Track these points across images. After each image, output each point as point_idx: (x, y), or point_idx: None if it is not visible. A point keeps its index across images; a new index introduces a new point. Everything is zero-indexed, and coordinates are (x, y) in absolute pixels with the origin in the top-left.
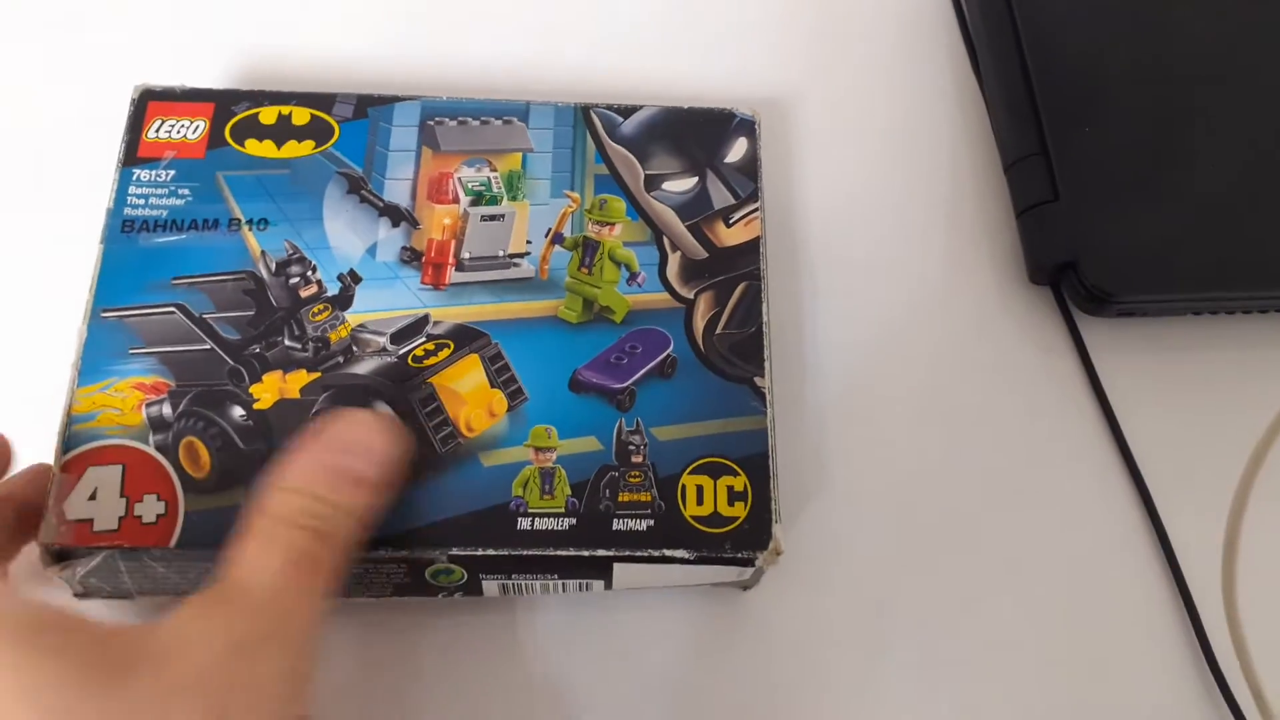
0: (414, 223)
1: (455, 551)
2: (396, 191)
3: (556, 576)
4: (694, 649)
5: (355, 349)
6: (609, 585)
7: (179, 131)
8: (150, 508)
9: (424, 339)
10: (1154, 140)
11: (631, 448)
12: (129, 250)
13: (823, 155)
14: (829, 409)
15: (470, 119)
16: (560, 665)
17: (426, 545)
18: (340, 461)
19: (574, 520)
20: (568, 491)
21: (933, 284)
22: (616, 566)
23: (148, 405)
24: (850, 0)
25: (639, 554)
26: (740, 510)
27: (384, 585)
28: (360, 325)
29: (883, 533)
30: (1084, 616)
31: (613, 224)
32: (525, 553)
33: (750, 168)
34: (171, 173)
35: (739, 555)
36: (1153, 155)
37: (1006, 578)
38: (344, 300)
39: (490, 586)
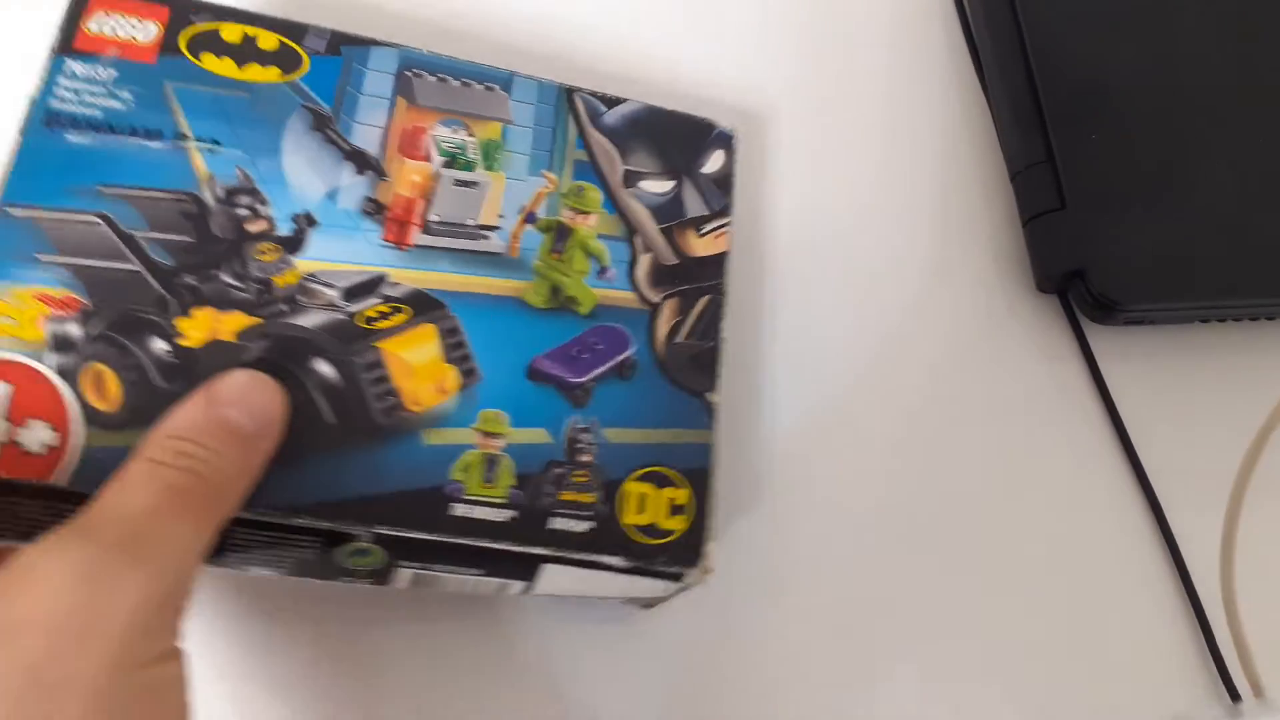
0: (381, 173)
1: (381, 530)
2: (365, 137)
3: (481, 572)
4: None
5: (302, 298)
6: (529, 588)
7: (126, 30)
8: (36, 435)
9: (379, 299)
10: (1160, 147)
11: (581, 446)
12: (51, 146)
13: (828, 160)
14: (823, 417)
15: (450, 78)
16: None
17: (350, 519)
18: (219, 413)
19: (514, 513)
20: (511, 482)
21: (940, 291)
22: (546, 568)
23: (51, 321)
24: (853, 5)
25: (575, 557)
26: (679, 524)
27: (286, 560)
28: (311, 274)
29: (880, 539)
30: (1089, 625)
31: (588, 213)
32: (458, 541)
33: (725, 181)
34: (113, 73)
35: (671, 570)
36: (1159, 163)
37: (1013, 586)
38: (295, 243)
39: (404, 576)
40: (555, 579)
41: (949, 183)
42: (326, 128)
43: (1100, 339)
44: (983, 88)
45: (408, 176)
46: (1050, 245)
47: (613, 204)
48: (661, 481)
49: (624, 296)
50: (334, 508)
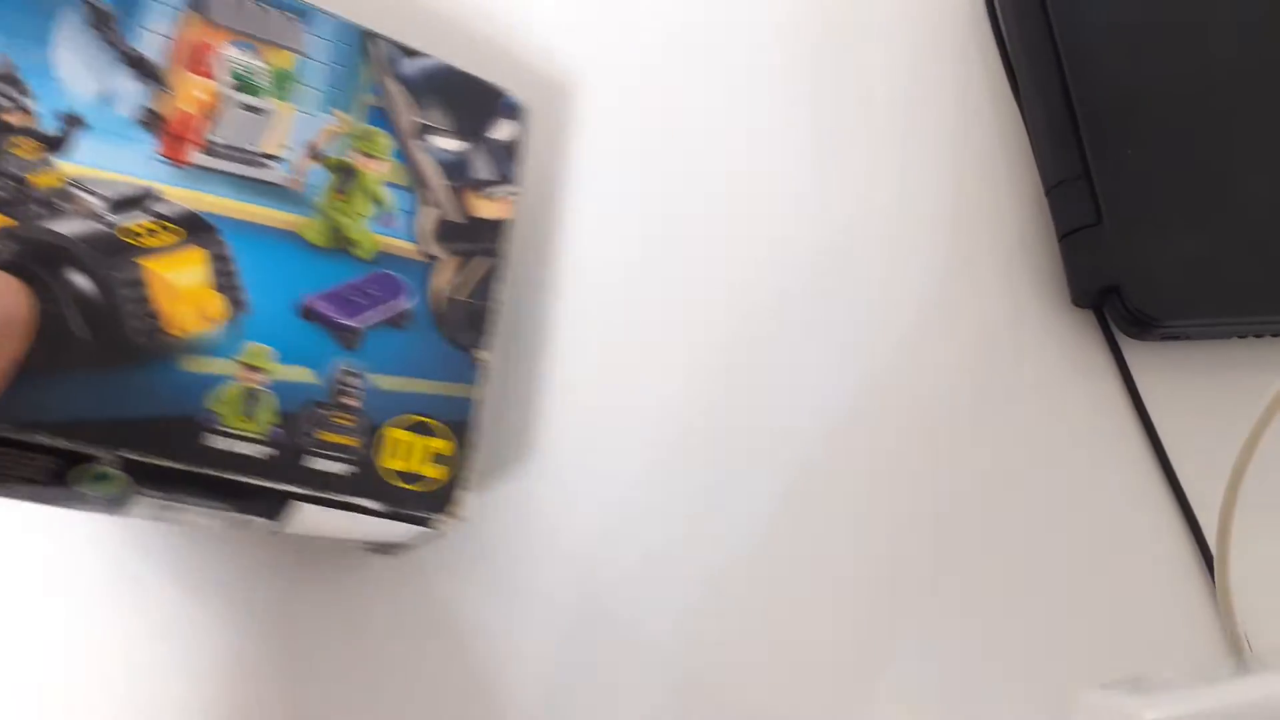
0: (162, 84)
1: (129, 455)
2: (149, 44)
3: (229, 507)
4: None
5: (62, 203)
6: (278, 526)
7: None
8: None
9: (147, 215)
10: (1196, 163)
11: (347, 389)
12: None
13: (862, 173)
14: (842, 425)
15: None
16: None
17: (97, 441)
18: None
19: (273, 451)
20: (272, 419)
21: (975, 306)
22: (299, 507)
23: None
24: (885, 19)
25: (330, 497)
26: (439, 473)
27: (13, 481)
28: (75, 179)
29: (898, 547)
30: (1125, 648)
31: (377, 159)
32: (211, 473)
33: (513, 150)
34: None
35: (424, 516)
36: (1195, 178)
37: (1046, 606)
38: (58, 143)
39: (143, 505)
40: (307, 519)
41: (983, 196)
42: (106, 26)
43: (1136, 354)
44: (1017, 102)
45: (190, 92)
46: (1086, 261)
47: (403, 154)
48: (425, 430)
49: (405, 247)
50: (80, 427)
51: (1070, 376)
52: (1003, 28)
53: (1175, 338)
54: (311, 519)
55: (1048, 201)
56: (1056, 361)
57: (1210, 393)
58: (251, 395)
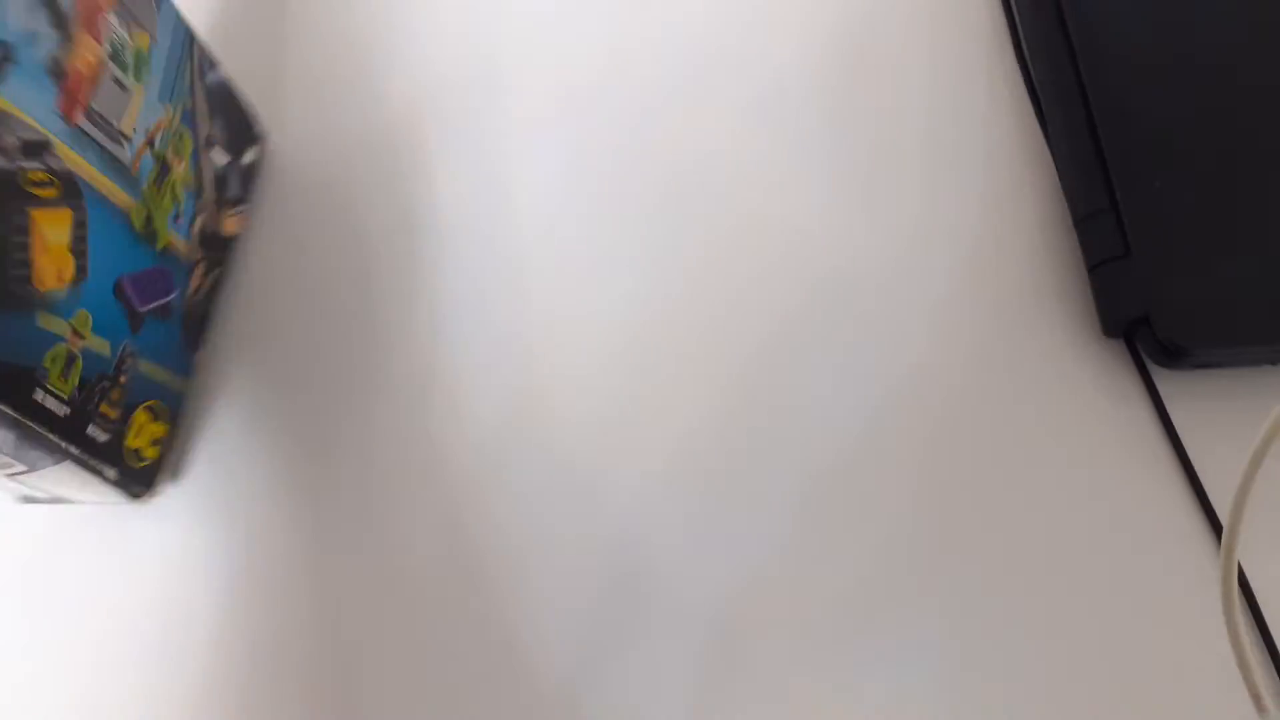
0: (69, 37)
1: None
2: None
3: (14, 455)
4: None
5: None
6: (26, 475)
7: None
8: None
9: (42, 166)
10: (1224, 192)
11: (125, 367)
12: None
13: (887, 205)
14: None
15: None
16: None
17: None
18: None
19: (68, 410)
20: (75, 383)
21: (1005, 337)
22: (68, 464)
23: None
24: (908, 50)
25: (90, 462)
26: (154, 454)
27: None
28: (3, 112)
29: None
30: (1156, 682)
31: (181, 159)
32: (28, 423)
33: (254, 173)
34: None
35: (135, 489)
36: (1223, 207)
37: (1075, 637)
38: None
39: None
40: (60, 475)
41: (1009, 226)
42: None
43: (1168, 383)
44: (1043, 132)
45: (85, 54)
46: (1115, 292)
47: (196, 159)
48: (153, 415)
49: (181, 246)
50: None
51: (1102, 407)
52: (1027, 59)
53: (1207, 366)
54: (64, 476)
55: (1076, 233)
56: (1087, 392)
57: (1244, 421)
58: (70, 358)
